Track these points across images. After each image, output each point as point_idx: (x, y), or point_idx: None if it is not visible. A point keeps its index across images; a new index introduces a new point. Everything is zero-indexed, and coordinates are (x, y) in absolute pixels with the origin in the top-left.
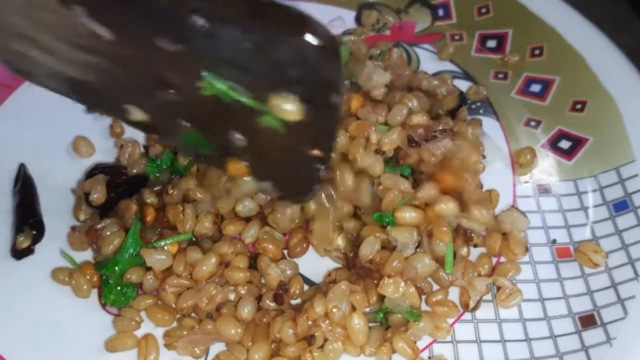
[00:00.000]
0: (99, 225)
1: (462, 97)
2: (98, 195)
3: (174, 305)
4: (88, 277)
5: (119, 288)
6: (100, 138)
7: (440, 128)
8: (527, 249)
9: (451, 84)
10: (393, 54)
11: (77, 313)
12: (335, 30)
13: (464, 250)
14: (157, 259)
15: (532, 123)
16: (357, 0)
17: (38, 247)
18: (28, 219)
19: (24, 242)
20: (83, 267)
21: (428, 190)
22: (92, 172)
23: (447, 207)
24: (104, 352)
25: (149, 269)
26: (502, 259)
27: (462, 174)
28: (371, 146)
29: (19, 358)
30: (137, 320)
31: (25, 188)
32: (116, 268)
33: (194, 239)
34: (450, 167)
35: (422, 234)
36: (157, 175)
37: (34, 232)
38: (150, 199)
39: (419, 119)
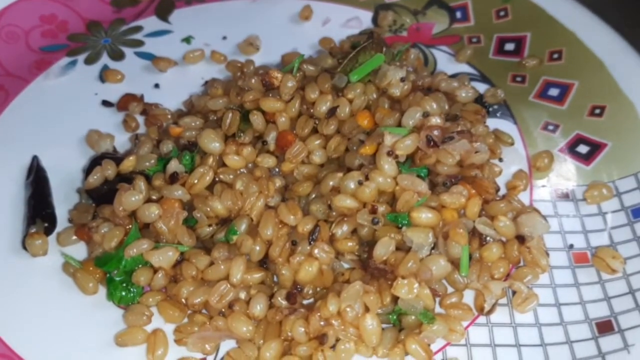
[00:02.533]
0: (93, 224)
1: (481, 100)
2: (97, 177)
3: (184, 302)
4: (91, 275)
5: (124, 285)
6: (114, 132)
7: (459, 129)
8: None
9: (467, 85)
10: (410, 55)
11: (87, 307)
12: (352, 30)
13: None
14: (164, 257)
15: (550, 127)
16: (374, 1)
17: (49, 240)
18: (40, 211)
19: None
20: (85, 265)
21: (457, 196)
22: (97, 161)
23: (472, 211)
24: (114, 346)
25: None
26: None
27: (487, 184)
28: (384, 148)
29: (30, 351)
30: (148, 314)
31: (38, 180)
32: (120, 265)
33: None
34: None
35: (437, 236)
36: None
37: (46, 225)
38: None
39: (436, 120)
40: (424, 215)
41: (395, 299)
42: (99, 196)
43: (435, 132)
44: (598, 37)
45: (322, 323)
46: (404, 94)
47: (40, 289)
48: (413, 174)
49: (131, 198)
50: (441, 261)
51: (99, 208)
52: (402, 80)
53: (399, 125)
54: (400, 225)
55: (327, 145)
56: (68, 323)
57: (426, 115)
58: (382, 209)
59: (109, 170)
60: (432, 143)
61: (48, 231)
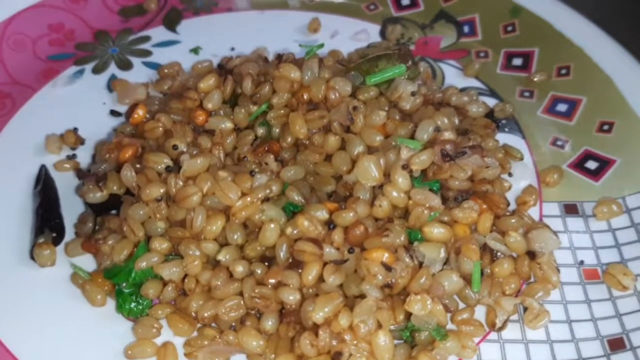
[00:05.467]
0: (99, 235)
1: (492, 114)
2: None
3: (194, 315)
4: (100, 287)
5: (133, 297)
6: None
7: (470, 144)
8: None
9: (477, 99)
10: (420, 68)
11: (96, 318)
12: (361, 42)
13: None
14: (174, 271)
15: (559, 142)
16: (382, 14)
17: (57, 251)
18: (49, 221)
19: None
20: (94, 277)
21: (469, 211)
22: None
23: (484, 226)
24: (123, 358)
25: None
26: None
27: (498, 199)
28: (400, 162)
29: None
30: (157, 327)
31: (46, 189)
32: (130, 277)
33: None
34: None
35: (449, 251)
36: None
37: (54, 235)
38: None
39: (449, 135)
40: (436, 230)
41: (407, 315)
42: (98, 205)
43: (448, 147)
44: (606, 53)
45: (334, 341)
46: (415, 108)
47: (48, 300)
48: (426, 188)
49: (139, 211)
50: (453, 277)
51: (105, 219)
52: (413, 94)
53: (411, 137)
54: (412, 241)
55: None
56: (76, 335)
57: (438, 129)
58: (397, 222)
59: (114, 187)
60: (447, 157)
61: (56, 241)
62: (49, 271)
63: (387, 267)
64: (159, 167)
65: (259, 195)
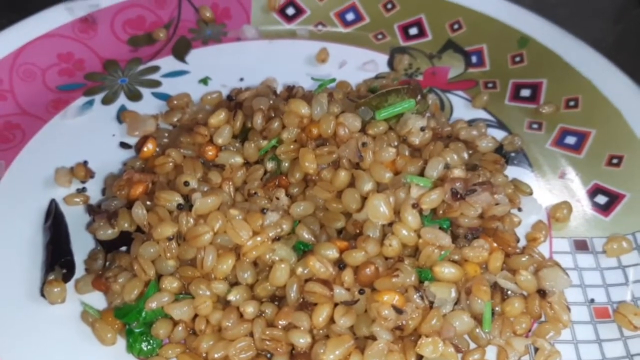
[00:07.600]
0: (109, 273)
1: (501, 149)
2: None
3: (204, 355)
4: (110, 325)
5: (144, 337)
6: None
7: (480, 181)
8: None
9: (486, 134)
10: (428, 101)
11: (106, 357)
12: (369, 73)
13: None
14: (184, 311)
15: (568, 176)
16: (390, 44)
17: (68, 287)
18: (59, 258)
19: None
20: (104, 315)
21: (479, 250)
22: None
23: (494, 266)
24: None
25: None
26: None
27: (508, 237)
28: (409, 200)
29: None
30: None
31: (56, 225)
32: (140, 317)
33: None
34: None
35: (460, 291)
36: None
37: (64, 272)
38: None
39: (459, 172)
40: (447, 270)
41: (419, 358)
42: (109, 242)
43: (458, 185)
44: (615, 85)
45: None
46: (424, 143)
47: (59, 338)
48: (436, 226)
49: (149, 250)
50: (464, 317)
51: (116, 256)
52: (422, 129)
53: (421, 173)
54: (422, 280)
55: None
56: None
57: (447, 167)
58: (407, 262)
59: (125, 224)
60: (458, 196)
61: (66, 278)
62: (59, 308)
63: (398, 310)
64: (170, 204)
65: (270, 235)
